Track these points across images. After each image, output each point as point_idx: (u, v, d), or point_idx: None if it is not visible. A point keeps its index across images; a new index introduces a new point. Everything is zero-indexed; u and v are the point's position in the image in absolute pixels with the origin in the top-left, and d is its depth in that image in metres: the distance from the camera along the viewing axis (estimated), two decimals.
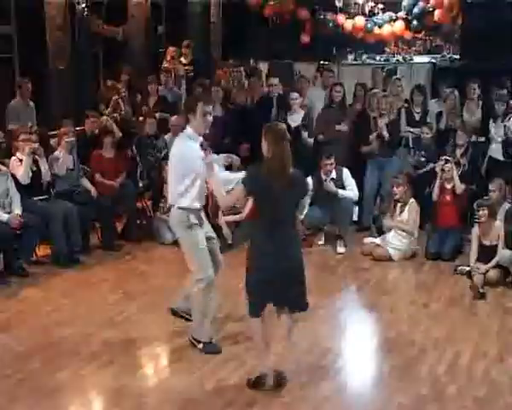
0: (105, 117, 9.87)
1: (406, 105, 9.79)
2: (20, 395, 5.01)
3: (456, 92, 9.66)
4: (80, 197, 8.36)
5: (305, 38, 14.76)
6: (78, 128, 9.32)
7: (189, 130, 5.50)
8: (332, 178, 8.62)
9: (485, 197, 7.79)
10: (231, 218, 8.68)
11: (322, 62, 12.72)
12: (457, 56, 13.61)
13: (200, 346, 5.65)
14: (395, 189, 8.23)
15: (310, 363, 5.50)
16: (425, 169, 9.11)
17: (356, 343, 6.08)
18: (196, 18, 14.86)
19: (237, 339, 5.91)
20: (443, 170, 8.32)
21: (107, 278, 7.61)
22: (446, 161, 8.31)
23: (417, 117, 9.75)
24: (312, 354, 5.68)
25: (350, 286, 7.57)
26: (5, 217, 7.37)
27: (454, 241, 8.23)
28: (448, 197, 8.35)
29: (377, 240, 8.34)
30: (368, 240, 8.46)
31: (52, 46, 11.36)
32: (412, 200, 8.27)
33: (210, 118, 5.49)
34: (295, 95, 9.34)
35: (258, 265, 4.91)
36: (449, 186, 8.36)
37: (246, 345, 5.73)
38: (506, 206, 7.81)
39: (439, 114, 9.77)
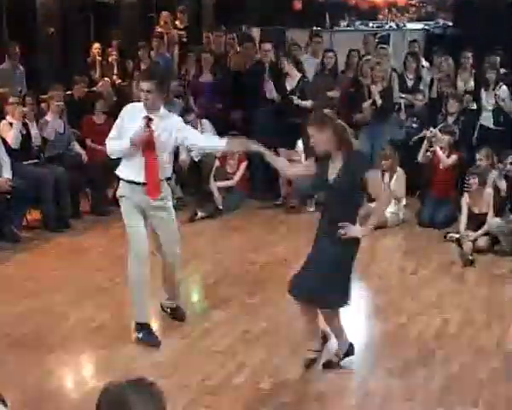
0: (104, 81, 9.89)
1: (394, 73, 9.75)
2: (10, 360, 5.01)
3: (451, 60, 9.63)
4: (71, 161, 8.34)
5: (298, 5, 14.64)
6: (68, 92, 9.26)
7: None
8: None
9: (474, 165, 7.82)
10: (222, 183, 8.73)
11: (314, 29, 12.61)
12: (451, 23, 13.54)
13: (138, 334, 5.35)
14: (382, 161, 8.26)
15: (299, 329, 5.53)
16: (417, 136, 9.12)
17: (344, 310, 6.10)
18: None
19: (229, 304, 5.96)
20: (430, 138, 8.32)
21: (98, 243, 7.60)
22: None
23: (410, 84, 9.72)
24: (300, 320, 5.71)
25: None
26: None
27: (447, 210, 8.22)
28: (441, 167, 8.30)
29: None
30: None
31: (41, 9, 11.24)
32: (399, 169, 8.28)
33: (142, 94, 5.14)
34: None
35: None
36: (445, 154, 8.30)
37: (235, 311, 5.79)
38: (494, 174, 7.83)
39: (432, 82, 9.75)
